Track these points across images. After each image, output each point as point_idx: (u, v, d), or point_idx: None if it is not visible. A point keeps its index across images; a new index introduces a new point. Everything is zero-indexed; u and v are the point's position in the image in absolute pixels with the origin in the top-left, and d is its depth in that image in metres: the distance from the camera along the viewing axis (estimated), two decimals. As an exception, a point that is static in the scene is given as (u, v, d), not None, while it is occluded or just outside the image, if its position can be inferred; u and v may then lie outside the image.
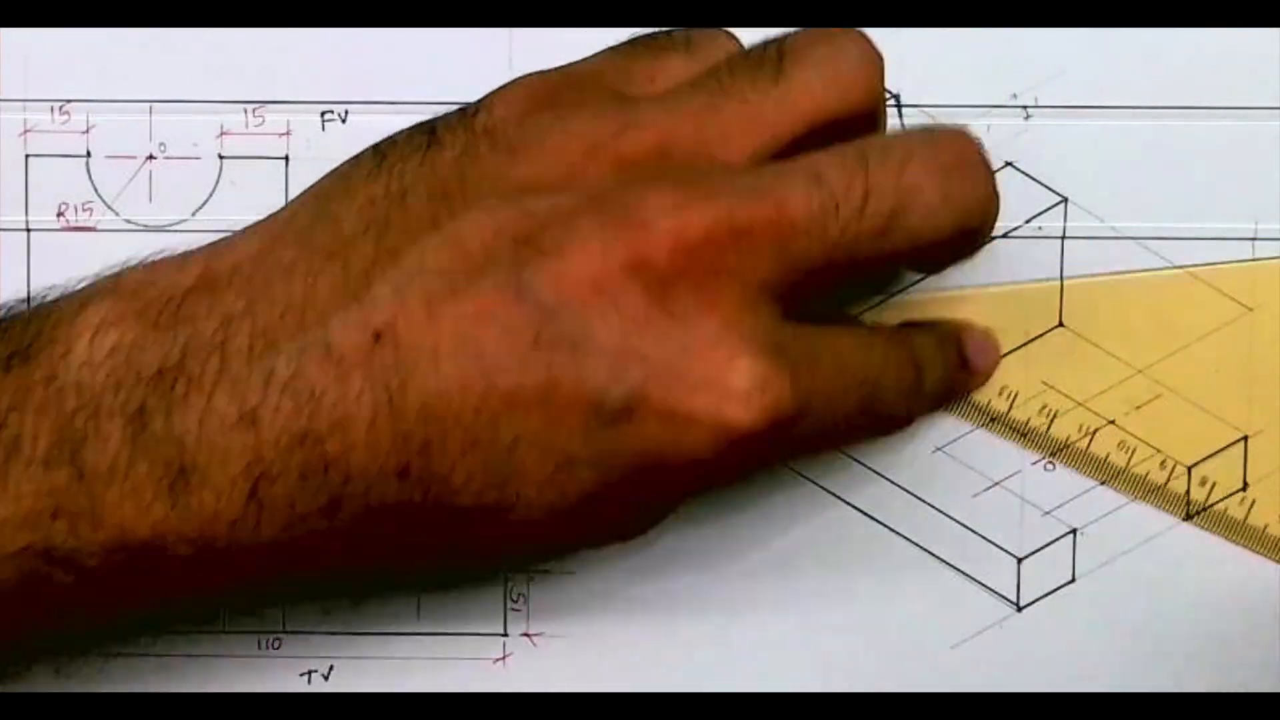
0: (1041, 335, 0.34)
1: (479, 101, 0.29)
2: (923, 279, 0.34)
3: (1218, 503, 0.34)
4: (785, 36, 0.29)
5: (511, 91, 0.28)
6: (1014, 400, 0.34)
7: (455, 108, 0.29)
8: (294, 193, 0.34)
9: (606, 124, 0.27)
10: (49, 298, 0.28)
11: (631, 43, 0.30)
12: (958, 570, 0.34)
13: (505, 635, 0.34)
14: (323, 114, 0.34)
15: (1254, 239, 0.34)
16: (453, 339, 0.25)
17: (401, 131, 0.29)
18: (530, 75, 0.29)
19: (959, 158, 0.28)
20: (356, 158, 0.29)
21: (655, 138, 0.27)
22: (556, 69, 0.29)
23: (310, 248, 0.27)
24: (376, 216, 0.27)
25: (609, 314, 0.25)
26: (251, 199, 0.34)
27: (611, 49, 0.30)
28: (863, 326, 0.28)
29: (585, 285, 0.25)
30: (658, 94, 0.28)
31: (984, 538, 0.34)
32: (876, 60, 0.28)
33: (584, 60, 0.30)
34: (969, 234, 0.28)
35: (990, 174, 0.28)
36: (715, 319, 0.26)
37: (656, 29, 0.30)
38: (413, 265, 0.26)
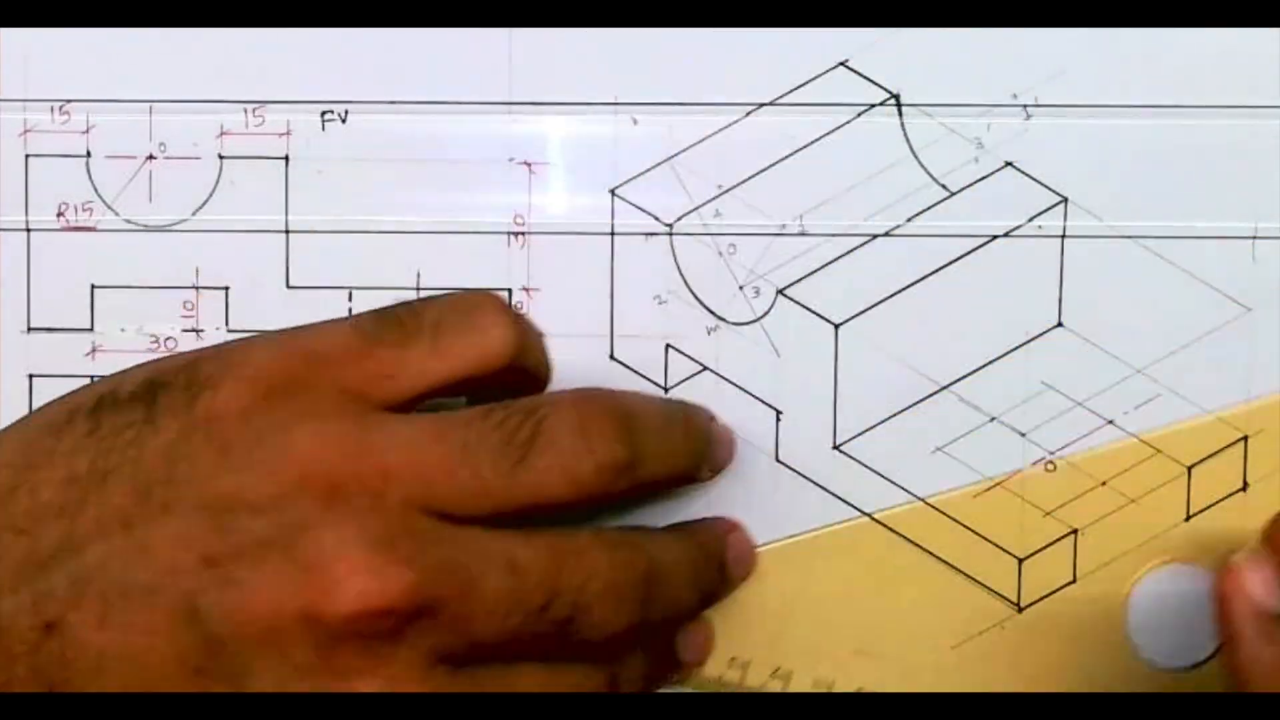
0: (1041, 335, 0.34)
1: (209, 367, 0.27)
2: (920, 281, 0.34)
3: (1216, 504, 0.34)
4: (545, 414, 0.28)
5: (242, 371, 0.27)
6: (746, 669, 0.34)
7: (182, 361, 0.28)
8: (294, 193, 0.34)
9: (331, 447, 0.26)
10: None
11: (376, 322, 0.28)
12: (958, 570, 0.34)
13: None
14: (323, 114, 0.34)
15: (1254, 238, 0.34)
16: (120, 647, 0.25)
17: (125, 381, 0.28)
18: (265, 348, 0.28)
19: (636, 581, 0.29)
20: (73, 409, 0.27)
21: (377, 474, 0.26)
22: (296, 340, 0.28)
23: (2, 516, 0.26)
24: (74, 497, 0.26)
25: (273, 659, 0.25)
26: (251, 199, 0.34)
27: (355, 326, 0.28)
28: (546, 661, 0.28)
29: (257, 626, 0.25)
30: (396, 405, 0.28)
31: (984, 538, 0.34)
32: (623, 470, 0.28)
33: (325, 330, 0.28)
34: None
35: (648, 608, 0.29)
36: (376, 681, 0.26)
37: (403, 303, 0.29)
38: (95, 562, 0.25)
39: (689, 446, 0.32)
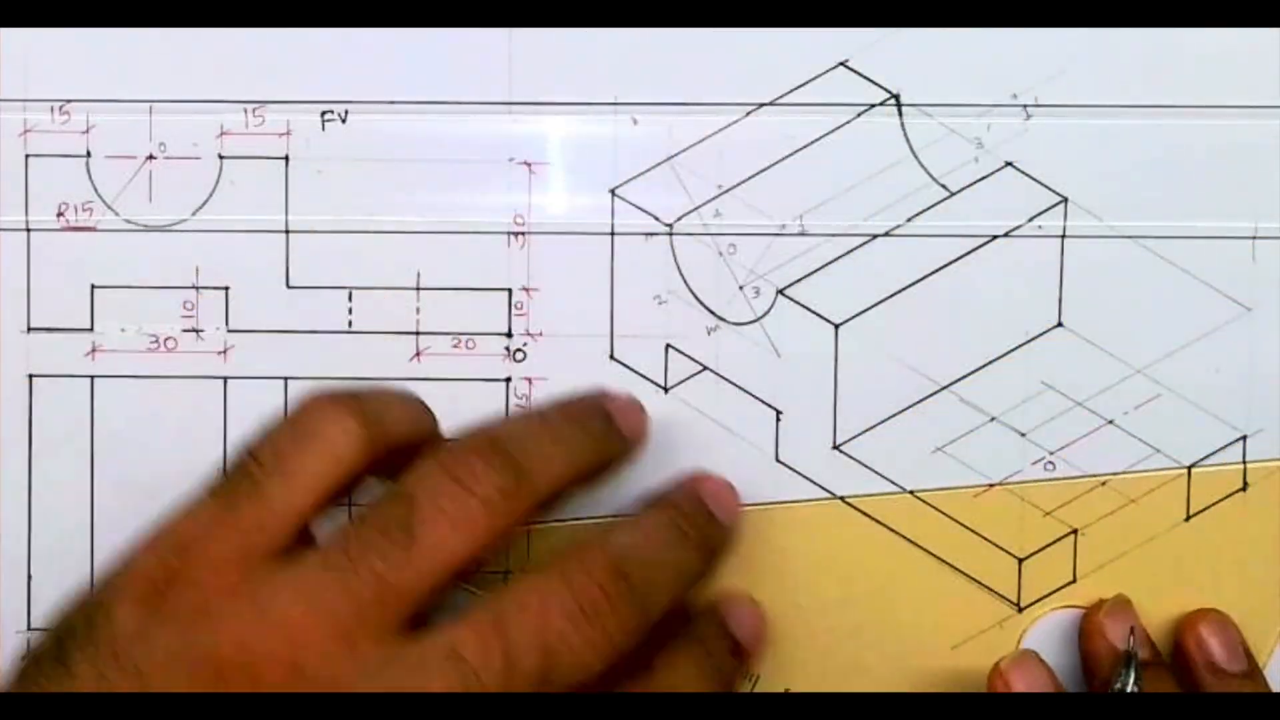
0: (1041, 335, 0.34)
1: (100, 596, 0.27)
2: (920, 281, 0.34)
3: (1216, 504, 0.34)
4: (411, 487, 0.28)
5: (127, 589, 0.27)
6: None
7: (81, 599, 0.28)
8: (294, 193, 0.34)
9: (230, 636, 0.26)
10: None
11: (227, 483, 0.28)
12: (958, 570, 0.34)
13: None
14: (323, 114, 0.34)
15: (1254, 238, 0.34)
16: None
17: (45, 640, 0.27)
18: (141, 556, 0.28)
19: (599, 596, 0.27)
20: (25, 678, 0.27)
21: (285, 644, 0.26)
22: (165, 535, 0.28)
23: None
24: None
25: None
26: (251, 199, 0.34)
27: (211, 495, 0.28)
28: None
29: None
30: (285, 546, 0.27)
31: (984, 538, 0.34)
32: (512, 489, 0.28)
33: (188, 513, 0.28)
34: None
35: (642, 598, 0.28)
36: None
37: (244, 448, 0.28)
38: None
39: (584, 432, 0.31)
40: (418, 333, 0.34)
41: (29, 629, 0.35)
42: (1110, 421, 0.34)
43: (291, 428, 0.28)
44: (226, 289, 0.34)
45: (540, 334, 0.34)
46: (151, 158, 0.34)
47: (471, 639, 0.26)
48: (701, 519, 0.31)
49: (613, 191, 0.34)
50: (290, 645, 0.26)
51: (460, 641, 0.26)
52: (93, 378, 0.35)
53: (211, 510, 0.28)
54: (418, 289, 0.34)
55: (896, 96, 0.34)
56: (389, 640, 0.27)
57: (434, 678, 0.26)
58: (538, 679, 0.26)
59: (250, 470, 0.28)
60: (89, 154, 0.34)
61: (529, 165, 0.34)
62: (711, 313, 0.34)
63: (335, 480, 0.28)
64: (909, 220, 0.34)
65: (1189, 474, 0.34)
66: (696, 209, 0.34)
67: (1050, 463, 0.34)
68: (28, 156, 0.34)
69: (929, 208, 0.34)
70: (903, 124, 0.34)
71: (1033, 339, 0.34)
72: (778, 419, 0.34)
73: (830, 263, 0.34)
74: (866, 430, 0.34)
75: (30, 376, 0.35)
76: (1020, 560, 0.34)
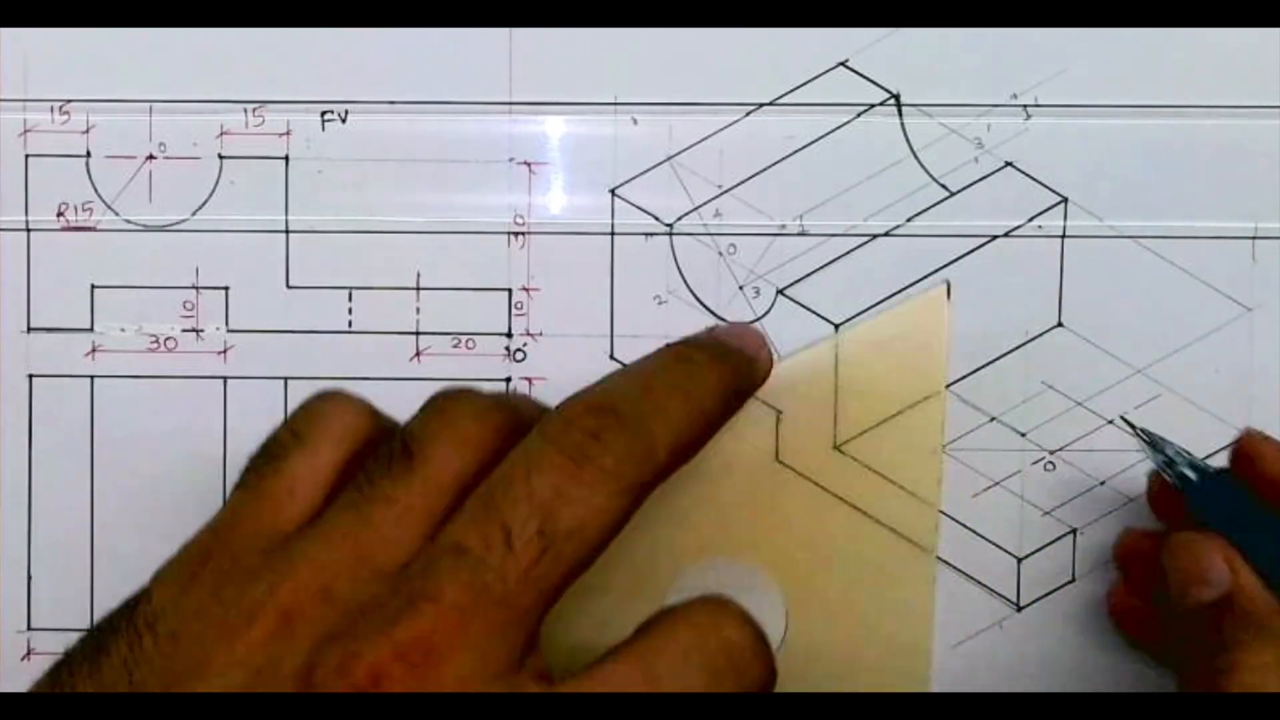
0: (1041, 335, 0.34)
1: (143, 587, 0.27)
2: (920, 281, 0.34)
3: (1217, 503, 0.34)
4: (409, 424, 0.28)
5: (167, 573, 0.27)
6: None
7: (117, 608, 0.27)
8: (294, 193, 0.34)
9: (260, 582, 0.26)
10: None
11: (250, 465, 0.28)
12: (958, 570, 0.34)
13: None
14: (323, 114, 0.34)
15: (1254, 238, 0.34)
16: None
17: (83, 638, 0.27)
18: (182, 549, 0.28)
19: (583, 439, 0.26)
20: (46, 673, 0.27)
21: (313, 577, 0.26)
22: (203, 530, 0.28)
23: None
24: None
25: None
26: (251, 199, 0.34)
27: (237, 485, 0.28)
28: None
29: None
30: (307, 516, 0.27)
31: (984, 538, 0.34)
32: (494, 408, 0.27)
33: (224, 508, 0.28)
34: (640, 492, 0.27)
35: (637, 424, 0.27)
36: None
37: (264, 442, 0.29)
38: None
39: (705, 370, 0.29)
40: (418, 333, 0.34)
41: (29, 629, 0.35)
42: (1110, 421, 0.34)
43: (305, 411, 0.29)
44: (226, 289, 0.35)
45: (540, 334, 0.34)
46: (151, 158, 0.34)
47: (470, 529, 0.26)
48: (713, 345, 0.30)
49: (613, 191, 0.34)
50: (320, 581, 0.26)
51: (460, 535, 0.26)
52: (93, 378, 0.35)
53: (240, 494, 0.28)
54: (418, 289, 0.34)
55: (896, 96, 0.34)
56: (411, 556, 0.26)
57: (444, 579, 0.25)
58: (545, 542, 0.25)
59: (272, 450, 0.28)
60: (89, 154, 0.34)
61: (529, 165, 0.34)
62: (711, 313, 0.34)
63: (351, 445, 0.28)
64: (909, 220, 0.34)
65: (1189, 474, 0.34)
66: (696, 209, 0.34)
67: (1050, 463, 0.34)
68: (28, 156, 0.34)
69: (929, 208, 0.34)
70: (903, 124, 0.34)
71: (1033, 339, 0.34)
72: (778, 419, 0.34)
73: (830, 263, 0.34)
74: (866, 430, 0.34)
75: (30, 376, 0.35)
76: (1020, 560, 0.34)
